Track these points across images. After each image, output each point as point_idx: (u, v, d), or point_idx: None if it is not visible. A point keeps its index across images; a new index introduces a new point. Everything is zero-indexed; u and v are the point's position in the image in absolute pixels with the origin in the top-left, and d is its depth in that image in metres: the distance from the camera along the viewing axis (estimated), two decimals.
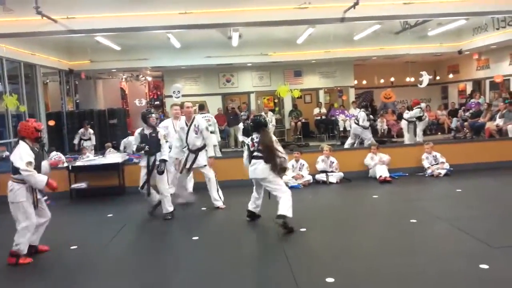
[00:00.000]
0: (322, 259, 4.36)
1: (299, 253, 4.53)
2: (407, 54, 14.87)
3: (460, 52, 14.80)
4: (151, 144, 6.23)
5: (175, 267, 4.39)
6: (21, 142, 4.62)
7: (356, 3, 7.20)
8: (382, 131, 15.73)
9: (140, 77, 16.53)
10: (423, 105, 12.88)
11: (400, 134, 14.96)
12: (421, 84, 9.43)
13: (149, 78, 17.86)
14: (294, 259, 4.29)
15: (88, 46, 12.43)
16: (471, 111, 13.21)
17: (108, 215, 6.70)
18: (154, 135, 6.28)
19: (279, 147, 5.36)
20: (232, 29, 10.57)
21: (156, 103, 18.21)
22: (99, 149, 12.02)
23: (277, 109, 17.27)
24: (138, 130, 6.45)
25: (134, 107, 16.48)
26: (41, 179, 4.55)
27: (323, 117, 16.27)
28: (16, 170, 4.53)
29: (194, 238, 5.25)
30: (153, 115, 6.35)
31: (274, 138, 5.50)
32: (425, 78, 9.20)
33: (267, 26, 8.68)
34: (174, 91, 10.28)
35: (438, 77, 18.28)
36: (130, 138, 13.13)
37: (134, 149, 6.49)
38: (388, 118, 15.41)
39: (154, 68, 15.73)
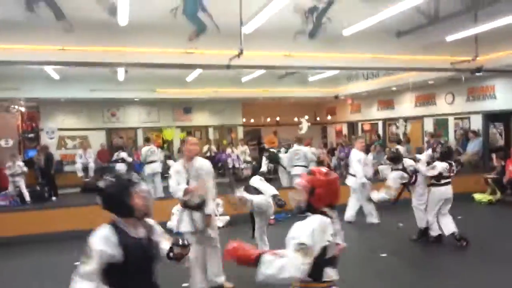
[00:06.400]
0: None
1: None
2: (290, 97, 15.87)
3: (336, 97, 16.23)
4: None
5: None
6: None
7: (241, 53, 7.46)
8: (269, 168, 16.35)
9: (10, 108, 14.88)
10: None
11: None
12: (301, 130, 10.07)
13: (22, 109, 16.20)
14: None
15: None
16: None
17: None
18: None
19: None
20: None
21: (30, 135, 16.53)
22: None
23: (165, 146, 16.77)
24: None
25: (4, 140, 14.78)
26: None
27: (213, 154, 16.37)
28: None
29: None
30: None
31: None
32: (304, 125, 9.88)
33: (153, 67, 8.58)
34: (47, 131, 9.45)
35: (318, 118, 19.78)
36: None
37: None
38: (270, 145, 16.02)
39: (27, 99, 14.31)
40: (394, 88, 13.94)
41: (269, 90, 14.95)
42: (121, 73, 11.46)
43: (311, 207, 2.60)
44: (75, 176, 14.19)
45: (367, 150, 13.70)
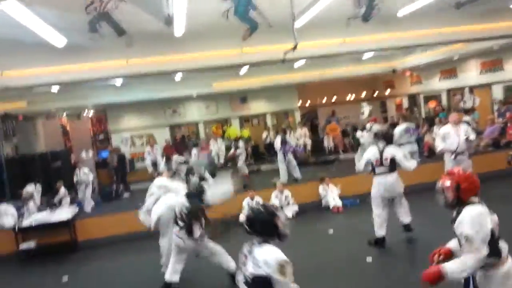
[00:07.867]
0: None
1: None
2: (345, 76, 15.58)
3: (394, 71, 15.69)
4: None
5: None
6: None
7: (295, 47, 7.49)
8: (329, 148, 16.28)
9: (82, 116, 16.03)
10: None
11: (346, 150, 15.57)
12: (363, 115, 9.98)
13: (91, 113, 17.36)
14: None
15: (24, 88, 11.90)
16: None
17: (64, 280, 6.41)
18: None
19: None
20: None
21: (100, 137, 17.69)
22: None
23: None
24: None
25: (77, 143, 15.93)
26: None
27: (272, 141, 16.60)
28: None
29: None
30: None
31: None
32: (366, 109, 9.75)
33: (211, 70, 8.82)
34: (122, 140, 10.18)
35: (376, 93, 19.24)
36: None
37: None
38: (332, 133, 15.88)
39: (95, 106, 15.34)
40: (456, 57, 13.25)
41: (323, 72, 14.78)
42: (178, 74, 11.90)
43: (460, 201, 2.95)
44: (146, 172, 15.03)
45: (431, 123, 13.30)
